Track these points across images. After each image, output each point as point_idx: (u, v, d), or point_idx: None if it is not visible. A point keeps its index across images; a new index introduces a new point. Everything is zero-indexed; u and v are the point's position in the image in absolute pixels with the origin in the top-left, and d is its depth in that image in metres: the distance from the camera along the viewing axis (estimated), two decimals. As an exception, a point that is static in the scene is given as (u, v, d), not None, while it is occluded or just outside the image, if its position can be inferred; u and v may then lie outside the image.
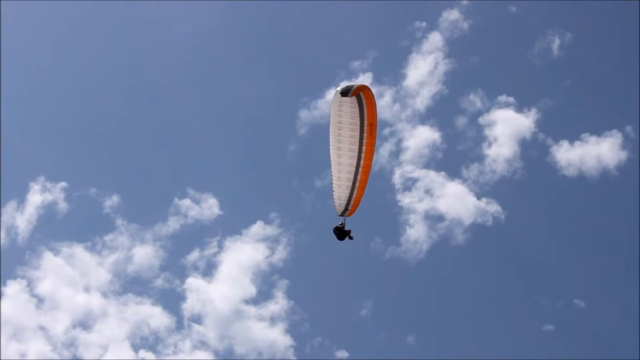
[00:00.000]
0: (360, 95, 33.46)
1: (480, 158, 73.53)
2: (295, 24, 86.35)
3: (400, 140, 75.84)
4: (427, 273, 70.99)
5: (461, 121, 76.05)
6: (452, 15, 79.18)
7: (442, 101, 77.72)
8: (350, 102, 33.53)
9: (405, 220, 71.74)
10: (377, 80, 79.31)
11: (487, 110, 75.44)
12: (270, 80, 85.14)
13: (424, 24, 79.77)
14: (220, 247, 73.16)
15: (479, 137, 74.65)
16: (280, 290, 70.40)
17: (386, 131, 76.69)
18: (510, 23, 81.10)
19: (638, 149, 71.07)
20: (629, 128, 71.12)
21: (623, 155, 70.15)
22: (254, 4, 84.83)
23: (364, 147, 34.47)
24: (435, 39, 78.70)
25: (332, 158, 34.87)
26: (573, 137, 72.39)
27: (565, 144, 72.15)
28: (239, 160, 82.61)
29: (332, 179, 35.23)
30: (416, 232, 70.01)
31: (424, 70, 77.59)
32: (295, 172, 79.79)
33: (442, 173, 73.40)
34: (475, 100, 75.97)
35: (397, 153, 75.37)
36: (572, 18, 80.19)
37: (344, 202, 35.44)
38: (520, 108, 74.78)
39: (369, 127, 34.23)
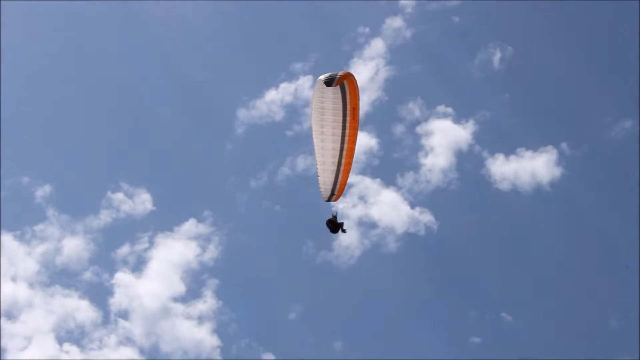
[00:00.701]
0: (344, 82, 33.17)
1: (416, 167, 73.61)
2: (238, 22, 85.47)
3: None
4: (358, 279, 70.87)
5: (399, 129, 76.01)
6: (395, 22, 79.04)
7: (381, 108, 77.86)
8: (332, 88, 33.22)
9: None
10: None
11: (426, 119, 75.63)
12: (210, 78, 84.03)
13: (367, 29, 79.81)
14: (152, 243, 72.37)
15: (416, 146, 74.70)
16: (210, 290, 69.91)
17: None
18: (453, 34, 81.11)
19: (572, 166, 72.16)
20: (564, 145, 71.68)
21: (557, 171, 70.63)
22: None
23: (347, 131, 34.17)
24: (377, 45, 78.61)
25: (315, 143, 34.55)
26: (509, 151, 72.62)
27: (500, 157, 72.45)
28: (174, 156, 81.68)
29: (316, 165, 34.88)
30: (348, 238, 70.02)
31: (364, 75, 77.63)
32: (231, 171, 79.20)
33: (378, 180, 73.48)
34: (414, 108, 75.84)
35: None
36: (514, 32, 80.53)
37: (329, 187, 35.19)
38: (458, 119, 74.93)
39: (352, 112, 33.96)
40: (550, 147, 71.46)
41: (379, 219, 70.74)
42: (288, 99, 78.24)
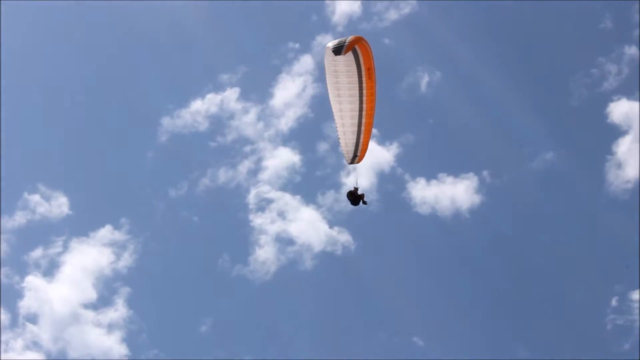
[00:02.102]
0: (355, 47, 32.08)
1: (337, 186, 73.27)
2: (167, 28, 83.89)
3: (260, 159, 74.98)
4: (271, 295, 70.23)
5: (323, 147, 75.43)
6: (325, 40, 76.98)
7: (307, 125, 76.85)
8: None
9: (255, 240, 71.23)
10: (244, 96, 77.41)
11: None
12: (136, 84, 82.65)
13: (297, 45, 78.90)
14: (66, 247, 71.06)
15: (339, 165, 74.15)
16: (121, 298, 68.94)
17: (247, 149, 75.62)
18: (383, 55, 79.96)
19: (492, 194, 71.85)
20: (485, 172, 71.84)
21: (477, 199, 70.17)
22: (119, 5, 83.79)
23: (364, 91, 33.10)
24: (306, 61, 77.81)
25: (333, 107, 33.76)
26: (430, 176, 71.97)
27: (422, 181, 71.65)
28: (95, 161, 79.81)
29: (336, 128, 34.13)
30: (265, 253, 69.68)
31: (292, 91, 76.62)
32: (150, 179, 77.92)
33: (298, 197, 72.95)
34: None
35: (255, 172, 74.56)
36: (443, 57, 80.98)
37: (351, 148, 34.29)
38: (382, 141, 74.31)
39: (367, 72, 32.86)
40: (471, 174, 71.54)
41: (297, 235, 70.65)
42: (213, 109, 77.29)
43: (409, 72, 76.64)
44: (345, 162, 34.81)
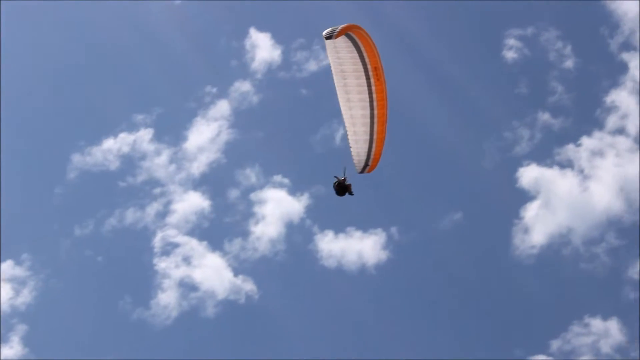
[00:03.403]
0: (354, 38, 30.65)
1: (245, 234, 72.26)
2: (85, 64, 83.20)
3: (169, 202, 74.19)
4: (171, 341, 68.50)
5: (233, 194, 74.75)
6: (243, 86, 78.13)
7: (219, 170, 76.23)
8: (346, 47, 30.94)
9: (158, 284, 70.17)
10: (158, 137, 77.09)
11: (261, 187, 74.44)
12: (48, 118, 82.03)
13: (215, 89, 78.97)
14: (-37, 280, 69.63)
15: (248, 213, 73.25)
16: (17, 335, 67.27)
17: (157, 191, 74.73)
18: (300, 105, 79.65)
19: (399, 251, 70.26)
20: (394, 229, 72.14)
21: (383, 255, 69.65)
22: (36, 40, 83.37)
23: (374, 95, 31.80)
24: (223, 106, 77.75)
25: (343, 111, 32.44)
26: (338, 229, 70.68)
27: (330, 234, 70.37)
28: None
29: (347, 134, 32.84)
30: (167, 298, 68.62)
31: (206, 135, 76.54)
32: (56, 216, 76.61)
33: (205, 243, 72.12)
34: (250, 175, 74.45)
35: (163, 214, 73.63)
36: None
37: (363, 157, 33.10)
38: (293, 191, 73.49)
39: (375, 72, 31.52)
40: (380, 230, 71.47)
41: (201, 282, 69.86)
42: (125, 149, 76.43)
43: (324, 124, 76.75)
44: (355, 170, 33.77)
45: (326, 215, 73.44)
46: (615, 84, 75.09)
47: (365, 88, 32.15)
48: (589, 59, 77.44)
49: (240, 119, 78.57)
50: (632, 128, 72.11)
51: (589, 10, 79.91)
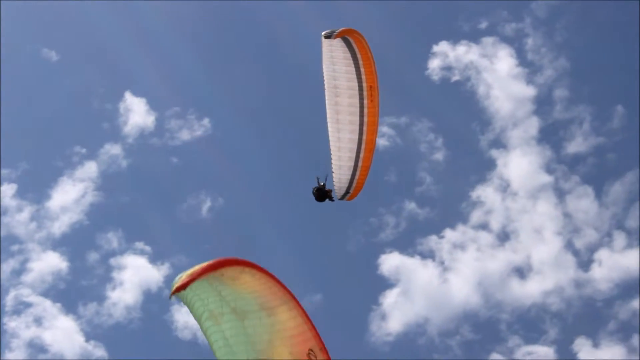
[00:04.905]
0: (354, 49, 29.05)
1: (101, 299, 70.53)
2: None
3: (26, 260, 71.76)
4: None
5: (93, 257, 72.89)
6: (114, 149, 76.87)
7: (80, 232, 74.37)
8: (343, 59, 29.34)
9: (6, 343, 67.22)
10: (20, 194, 74.95)
11: (122, 253, 72.91)
12: None
13: (84, 150, 77.18)
14: None
15: (106, 278, 71.52)
16: None
17: (15, 248, 72.36)
18: (169, 173, 79.75)
19: None
20: None
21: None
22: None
23: (365, 119, 30.09)
24: (91, 168, 76.01)
25: (330, 132, 30.57)
26: None
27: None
28: None
29: (330, 156, 30.99)
30: (15, 358, 65.66)
31: (70, 196, 74.52)
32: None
33: (58, 305, 69.71)
34: (112, 239, 73.40)
35: (19, 272, 71.12)
36: (228, 185, 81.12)
37: (344, 185, 31.23)
38: (154, 259, 72.62)
39: (369, 91, 29.78)
40: None
41: (51, 344, 67.20)
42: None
43: (192, 194, 76.21)
44: (335, 195, 32.11)
45: (185, 287, 72.58)
46: (482, 179, 76.39)
47: (357, 109, 30.57)
48: (459, 153, 79.10)
49: (107, 182, 77.17)
50: (495, 224, 73.01)
51: (462, 105, 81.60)
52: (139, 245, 72.97)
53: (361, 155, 31.20)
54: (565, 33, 76.33)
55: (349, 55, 29.64)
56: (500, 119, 77.00)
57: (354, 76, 30.06)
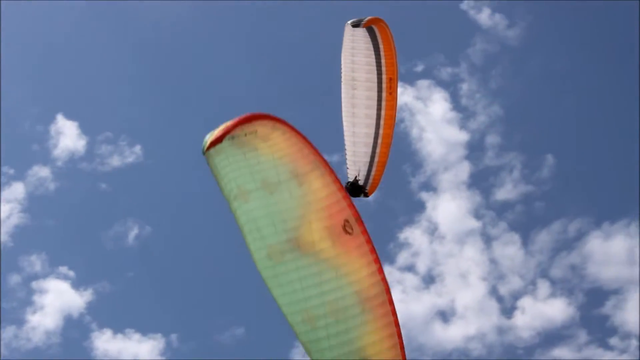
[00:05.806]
0: (377, 39, 27.43)
1: (21, 322, 66.99)
2: None
3: None
4: None
5: (14, 279, 69.46)
6: (42, 171, 73.72)
7: (3, 253, 69.90)
8: (365, 49, 27.72)
9: None
10: None
11: (45, 276, 69.77)
12: None
13: (12, 171, 74.14)
14: None
15: (27, 301, 68.33)
16: None
17: None
18: (97, 199, 77.34)
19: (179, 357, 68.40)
20: (174, 336, 70.18)
21: (160, 361, 73.08)
22: None
23: (382, 112, 28.47)
24: (17, 189, 72.87)
25: (345, 126, 29.03)
26: (117, 329, 67.48)
27: (108, 333, 67.28)
28: None
29: (345, 152, 29.52)
30: None
31: None
32: None
33: None
34: (36, 262, 70.27)
35: None
36: (156, 214, 79.84)
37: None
38: (77, 284, 69.66)
39: (388, 83, 28.16)
40: (159, 335, 69.42)
41: None
42: None
43: (119, 221, 74.48)
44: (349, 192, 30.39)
45: (107, 314, 71.18)
46: (411, 221, 76.46)
47: (375, 102, 29.42)
48: (388, 193, 78.94)
49: (34, 204, 74.38)
50: (421, 266, 72.75)
51: (394, 147, 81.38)
52: (63, 269, 70.74)
53: (377, 150, 30.00)
54: (500, 80, 77.38)
55: (370, 45, 28.66)
56: (432, 162, 77.12)
57: (374, 67, 29.00)
